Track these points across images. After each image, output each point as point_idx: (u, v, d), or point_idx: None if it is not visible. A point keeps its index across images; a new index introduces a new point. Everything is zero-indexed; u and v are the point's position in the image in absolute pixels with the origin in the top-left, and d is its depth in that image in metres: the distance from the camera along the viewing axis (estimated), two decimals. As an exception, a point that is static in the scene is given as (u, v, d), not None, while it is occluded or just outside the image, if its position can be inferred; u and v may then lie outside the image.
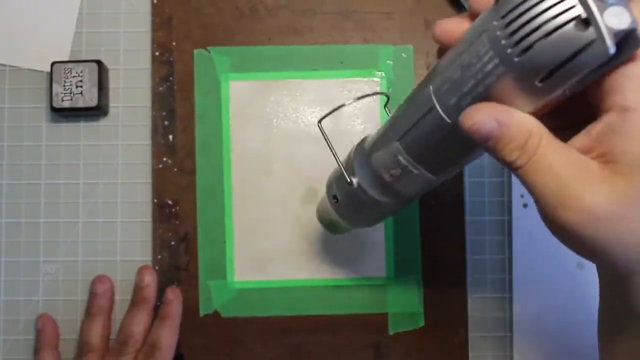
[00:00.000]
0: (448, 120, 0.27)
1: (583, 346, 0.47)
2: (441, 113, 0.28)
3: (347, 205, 0.37)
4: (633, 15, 0.22)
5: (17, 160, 0.48)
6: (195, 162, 0.47)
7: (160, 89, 0.48)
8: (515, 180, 0.47)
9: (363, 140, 0.36)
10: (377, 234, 0.47)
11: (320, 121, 0.38)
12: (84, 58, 0.48)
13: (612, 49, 0.22)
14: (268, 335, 0.47)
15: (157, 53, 0.48)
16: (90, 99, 0.46)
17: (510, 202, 0.47)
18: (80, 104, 0.46)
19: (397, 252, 0.47)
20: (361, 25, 0.48)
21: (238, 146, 0.48)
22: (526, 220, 0.47)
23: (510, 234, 0.47)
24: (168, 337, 0.44)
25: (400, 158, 0.31)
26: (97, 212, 0.48)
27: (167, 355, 0.44)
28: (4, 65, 0.48)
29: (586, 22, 0.22)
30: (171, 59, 0.48)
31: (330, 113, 0.38)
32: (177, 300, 0.46)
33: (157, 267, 0.47)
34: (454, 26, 0.27)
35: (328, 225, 0.42)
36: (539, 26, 0.23)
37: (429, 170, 0.32)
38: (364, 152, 0.35)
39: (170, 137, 0.47)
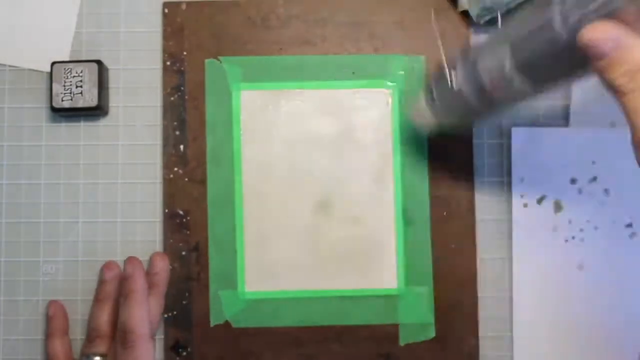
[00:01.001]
0: (565, 36, 0.27)
1: (583, 346, 0.47)
2: (560, 27, 0.27)
3: (440, 102, 0.38)
4: None
5: (17, 160, 0.48)
6: (206, 172, 0.47)
7: (171, 98, 0.48)
8: (515, 180, 0.47)
9: (468, 45, 0.36)
10: (389, 245, 0.47)
11: (433, 20, 0.40)
12: (84, 58, 0.48)
13: None
14: (279, 346, 0.47)
15: (168, 62, 0.48)
16: (90, 99, 0.46)
17: (510, 202, 0.47)
18: (80, 104, 0.46)
19: (408, 263, 0.47)
20: (373, 36, 0.48)
21: (249, 156, 0.48)
22: (526, 220, 0.47)
23: (510, 234, 0.47)
24: (154, 308, 0.44)
25: (507, 64, 0.31)
26: (97, 212, 0.48)
27: (154, 324, 0.45)
28: (4, 65, 0.48)
29: None
30: (182, 68, 0.48)
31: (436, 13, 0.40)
32: (165, 270, 0.46)
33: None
34: None
35: (418, 117, 0.43)
36: None
37: (530, 81, 0.32)
38: (469, 55, 0.35)
39: (181, 147, 0.47)
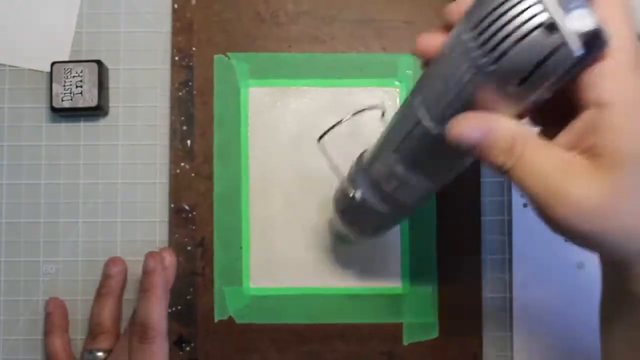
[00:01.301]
0: (435, 131, 0.28)
1: (583, 346, 0.47)
2: (428, 125, 0.28)
3: (353, 218, 0.39)
4: (596, 16, 0.23)
5: (17, 160, 0.48)
6: (213, 167, 0.47)
7: (179, 94, 0.48)
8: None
9: (362, 154, 0.37)
10: (393, 244, 0.47)
11: (319, 139, 0.39)
12: (84, 58, 0.48)
13: (578, 51, 0.23)
14: (282, 343, 0.47)
15: (176, 58, 0.48)
16: (90, 99, 0.46)
17: (510, 202, 0.47)
18: (80, 104, 0.46)
19: (412, 262, 0.47)
20: (381, 34, 0.48)
21: (256, 152, 0.48)
22: (526, 220, 0.47)
23: (510, 234, 0.47)
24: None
25: (397, 169, 0.32)
26: (97, 212, 0.48)
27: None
28: (4, 65, 0.48)
29: (552, 27, 0.23)
30: (191, 64, 0.48)
31: (328, 131, 0.39)
32: (173, 266, 0.45)
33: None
34: (434, 40, 0.28)
35: (338, 237, 0.44)
36: (509, 34, 0.23)
37: (425, 178, 0.32)
38: (363, 165, 0.36)
39: (189, 142, 0.47)
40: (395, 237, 0.47)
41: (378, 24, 0.48)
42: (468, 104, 0.26)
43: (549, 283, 0.47)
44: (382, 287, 0.47)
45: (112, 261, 0.46)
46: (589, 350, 0.47)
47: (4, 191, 0.48)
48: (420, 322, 0.47)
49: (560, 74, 0.24)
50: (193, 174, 0.47)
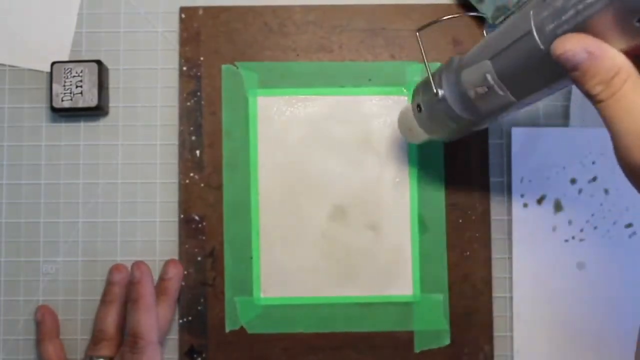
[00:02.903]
0: (542, 47, 0.28)
1: (583, 346, 0.47)
2: (536, 38, 0.28)
3: (429, 115, 0.39)
4: None
5: (17, 160, 0.48)
6: (222, 177, 0.47)
7: (188, 104, 0.48)
8: (515, 180, 0.47)
9: (452, 58, 0.37)
10: (404, 252, 0.47)
11: (419, 30, 0.39)
12: (84, 58, 0.48)
13: None
14: (294, 352, 0.47)
15: (184, 68, 0.48)
16: (90, 99, 0.46)
17: (510, 202, 0.47)
18: (80, 104, 0.46)
19: (423, 270, 0.47)
20: (389, 42, 0.48)
21: (265, 162, 0.48)
22: (526, 220, 0.47)
23: (510, 234, 0.47)
24: (164, 313, 0.45)
25: (489, 77, 0.32)
26: (97, 212, 0.48)
27: (164, 330, 0.45)
28: (4, 65, 0.48)
29: None
30: (199, 73, 0.48)
31: (430, 24, 0.40)
32: (178, 277, 0.46)
33: (183, 283, 0.47)
34: None
35: (406, 130, 0.43)
36: None
37: (513, 92, 0.32)
38: (454, 66, 0.36)
39: (197, 152, 0.47)
40: (405, 246, 0.47)
41: (387, 32, 0.48)
42: (583, 27, 0.26)
43: (549, 283, 0.47)
44: (393, 296, 0.47)
45: (115, 268, 0.46)
46: (589, 350, 0.47)
47: (4, 191, 0.48)
48: (431, 330, 0.47)
49: None
50: (202, 185, 0.47)
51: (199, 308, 0.47)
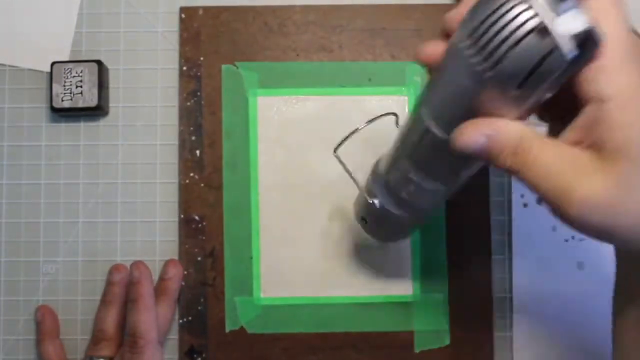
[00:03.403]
0: (445, 137, 0.28)
1: (583, 346, 0.47)
2: (436, 131, 0.29)
3: (375, 225, 0.40)
4: (588, 16, 0.23)
5: (17, 160, 0.48)
6: (222, 177, 0.47)
7: (188, 104, 0.48)
8: (515, 180, 0.47)
9: (378, 162, 0.38)
10: (404, 252, 0.47)
11: (335, 150, 0.40)
12: (84, 58, 0.48)
13: (571, 53, 0.23)
14: (294, 352, 0.47)
15: (184, 68, 0.48)
16: (90, 99, 0.46)
17: (510, 202, 0.47)
18: (80, 104, 0.46)
19: (423, 270, 0.47)
20: (389, 42, 0.48)
21: (265, 162, 0.48)
22: (526, 220, 0.47)
23: (510, 234, 0.47)
24: (164, 313, 0.45)
25: (412, 175, 0.33)
26: (97, 212, 0.48)
27: (164, 330, 0.45)
28: (4, 65, 0.48)
29: (544, 31, 0.23)
30: (199, 73, 0.48)
31: (343, 141, 0.40)
32: (178, 277, 0.46)
33: (183, 283, 0.47)
34: (436, 48, 0.29)
35: (361, 242, 0.45)
36: (503, 40, 0.24)
37: (440, 182, 0.33)
38: (379, 173, 0.37)
39: (197, 152, 0.47)
40: (405, 245, 0.47)
41: (387, 32, 0.48)
42: (472, 110, 0.27)
43: (549, 283, 0.47)
44: (393, 296, 0.47)
45: (115, 268, 0.46)
46: (589, 350, 0.47)
47: (4, 191, 0.48)
48: (431, 330, 0.47)
49: (557, 75, 0.24)
50: (202, 185, 0.47)
51: (199, 308, 0.47)
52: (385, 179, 0.36)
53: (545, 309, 0.47)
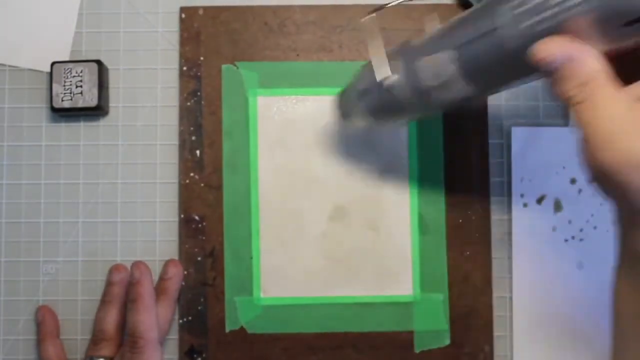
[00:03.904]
0: (514, 44, 0.27)
1: (583, 345, 0.47)
2: (510, 34, 0.27)
3: (376, 100, 0.37)
4: None
5: (17, 160, 0.48)
6: (222, 177, 0.47)
7: (188, 104, 0.48)
8: (515, 180, 0.47)
9: (408, 42, 0.35)
10: (404, 252, 0.47)
11: (371, 12, 0.37)
12: (84, 58, 0.48)
13: None
14: (294, 352, 0.47)
15: (184, 68, 0.48)
16: (90, 99, 0.46)
17: (510, 202, 0.47)
18: (80, 104, 0.46)
19: (423, 270, 0.47)
20: (390, 42, 0.48)
21: (265, 162, 0.48)
22: (526, 220, 0.47)
23: (510, 234, 0.47)
24: (164, 313, 0.45)
25: (452, 67, 0.31)
26: (97, 212, 0.48)
27: (164, 330, 0.45)
28: (4, 65, 0.48)
29: None
30: (199, 73, 0.48)
31: (379, 9, 0.37)
32: (178, 277, 0.46)
33: (183, 283, 0.47)
34: None
35: (344, 114, 0.42)
36: None
37: (474, 84, 0.31)
38: (411, 51, 0.34)
39: (197, 152, 0.47)
40: (405, 246, 0.47)
41: (387, 32, 0.48)
42: (562, 27, 0.26)
43: (549, 283, 0.47)
44: (393, 296, 0.47)
45: (115, 268, 0.46)
46: (589, 350, 0.47)
47: (4, 191, 0.48)
48: (431, 330, 0.47)
49: None
50: (202, 184, 0.47)
51: (199, 308, 0.47)
52: (417, 59, 0.33)
53: (545, 309, 0.47)
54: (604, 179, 0.27)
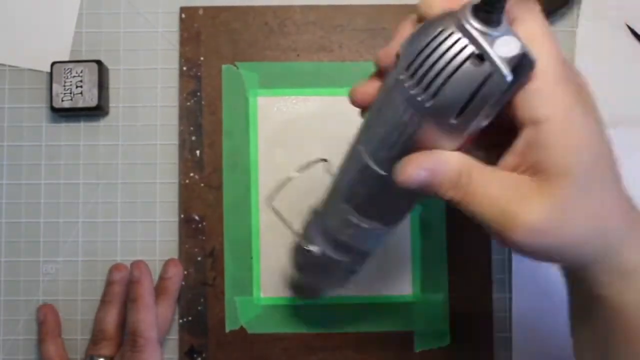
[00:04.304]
0: (383, 173, 0.29)
1: (583, 346, 0.47)
2: (375, 168, 0.29)
3: (313, 272, 0.39)
4: (520, 40, 0.24)
5: (17, 160, 0.48)
6: (222, 177, 0.47)
7: (188, 104, 0.48)
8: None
9: (314, 208, 0.37)
10: (404, 252, 0.47)
11: (271, 201, 0.40)
12: (84, 58, 0.48)
13: (509, 76, 0.24)
14: (293, 352, 0.47)
15: (184, 68, 0.48)
16: (90, 99, 0.46)
17: (510, 202, 0.47)
18: (80, 104, 0.46)
19: (423, 270, 0.47)
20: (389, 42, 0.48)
21: (265, 162, 0.48)
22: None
23: (510, 234, 0.47)
24: (164, 313, 0.45)
25: (351, 217, 0.32)
26: (97, 212, 0.48)
27: (164, 329, 0.45)
28: (4, 65, 0.48)
29: (480, 57, 0.24)
30: (199, 73, 0.48)
31: (278, 191, 0.41)
32: (178, 276, 0.46)
33: (183, 283, 0.47)
34: (368, 88, 0.29)
35: (297, 290, 0.44)
36: (441, 70, 0.24)
37: (379, 221, 0.33)
38: (315, 219, 0.36)
39: (197, 152, 0.47)
40: (405, 246, 0.47)
41: (387, 32, 0.48)
42: (410, 144, 0.27)
43: (549, 283, 0.47)
44: (393, 296, 0.47)
45: (115, 267, 0.46)
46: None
47: (4, 191, 0.48)
48: (431, 330, 0.47)
49: (495, 100, 0.24)
50: (202, 184, 0.47)
51: (199, 308, 0.47)
52: (322, 224, 0.35)
53: (545, 309, 0.47)
54: (528, 254, 0.27)
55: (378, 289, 0.47)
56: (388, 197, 0.31)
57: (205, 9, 0.48)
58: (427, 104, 0.25)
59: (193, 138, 0.48)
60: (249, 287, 0.47)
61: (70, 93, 0.46)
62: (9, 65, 0.48)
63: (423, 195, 0.29)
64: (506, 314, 0.47)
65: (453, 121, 0.25)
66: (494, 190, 0.26)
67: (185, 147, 0.48)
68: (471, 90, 0.24)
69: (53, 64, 0.46)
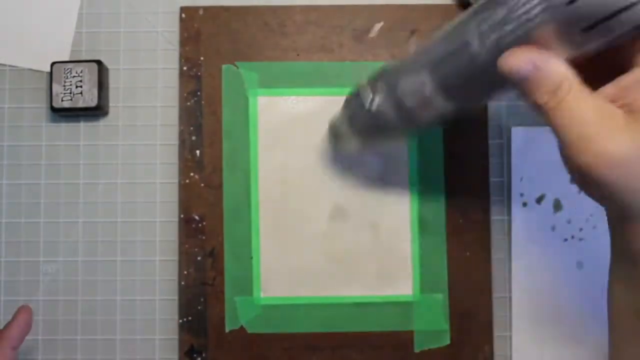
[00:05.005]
0: (483, 57, 0.28)
1: (583, 345, 0.47)
2: (478, 49, 0.29)
3: (363, 123, 0.39)
4: None
5: (17, 160, 0.48)
6: (222, 177, 0.47)
7: (188, 104, 0.48)
8: (515, 180, 0.47)
9: (386, 67, 0.37)
10: (404, 252, 0.47)
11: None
12: (84, 58, 0.48)
13: None
14: (294, 352, 0.47)
15: (184, 68, 0.48)
16: (90, 99, 0.46)
17: (510, 202, 0.47)
18: (80, 104, 0.46)
19: (423, 270, 0.47)
20: (390, 43, 0.48)
21: (265, 162, 0.48)
22: (526, 220, 0.47)
23: (509, 233, 0.47)
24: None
25: (428, 86, 0.32)
26: (97, 212, 0.48)
27: None
28: (4, 65, 0.48)
29: None
30: (199, 73, 0.48)
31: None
32: (22, 322, 0.40)
33: (183, 283, 0.47)
34: None
35: (335, 138, 0.44)
36: None
37: (453, 101, 0.33)
38: (390, 74, 0.36)
39: (197, 152, 0.47)
40: (405, 245, 0.47)
41: (388, 32, 0.48)
42: (526, 38, 0.27)
43: (549, 283, 0.47)
44: (393, 296, 0.47)
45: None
46: (589, 349, 0.47)
47: (4, 191, 0.48)
48: (431, 330, 0.47)
49: (627, 29, 0.24)
50: (202, 184, 0.47)
51: (199, 308, 0.47)
52: (396, 82, 0.35)
53: (545, 308, 0.47)
54: (585, 180, 0.27)
55: (378, 289, 0.47)
56: (474, 82, 0.31)
57: (206, 9, 0.48)
58: (564, 7, 0.25)
59: (193, 138, 0.48)
60: (249, 287, 0.47)
61: (70, 93, 0.46)
62: (9, 65, 0.48)
63: (509, 90, 0.29)
64: (506, 313, 0.47)
65: (578, 33, 0.25)
66: (587, 112, 0.27)
67: (185, 147, 0.48)
68: (612, 11, 0.24)
69: (53, 64, 0.46)
